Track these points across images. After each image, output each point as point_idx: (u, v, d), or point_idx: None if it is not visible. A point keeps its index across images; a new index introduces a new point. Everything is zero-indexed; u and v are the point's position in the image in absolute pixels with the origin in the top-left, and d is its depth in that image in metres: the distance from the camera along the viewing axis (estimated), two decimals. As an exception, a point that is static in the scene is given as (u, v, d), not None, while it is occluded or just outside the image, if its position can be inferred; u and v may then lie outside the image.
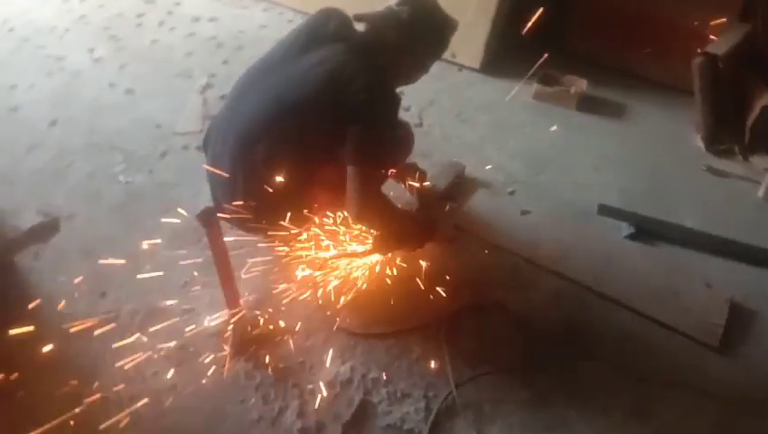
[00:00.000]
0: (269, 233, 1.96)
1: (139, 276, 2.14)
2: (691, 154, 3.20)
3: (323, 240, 2.11)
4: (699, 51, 3.06)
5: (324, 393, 1.87)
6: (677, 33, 3.46)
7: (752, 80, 3.17)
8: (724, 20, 3.24)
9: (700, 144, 3.22)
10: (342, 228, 2.12)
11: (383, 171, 2.04)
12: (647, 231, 2.60)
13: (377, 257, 2.22)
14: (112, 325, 1.98)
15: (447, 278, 2.22)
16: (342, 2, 2.13)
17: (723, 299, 2.29)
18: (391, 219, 2.04)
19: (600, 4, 3.60)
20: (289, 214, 1.89)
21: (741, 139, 3.12)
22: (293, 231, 1.95)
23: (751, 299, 2.32)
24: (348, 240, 2.19)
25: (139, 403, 1.78)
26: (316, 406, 1.84)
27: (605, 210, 2.68)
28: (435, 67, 2.13)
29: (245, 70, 2.10)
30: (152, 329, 1.97)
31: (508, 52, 3.64)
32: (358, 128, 1.84)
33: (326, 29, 2.01)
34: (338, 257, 2.17)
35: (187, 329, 1.99)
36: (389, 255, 2.22)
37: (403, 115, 3.01)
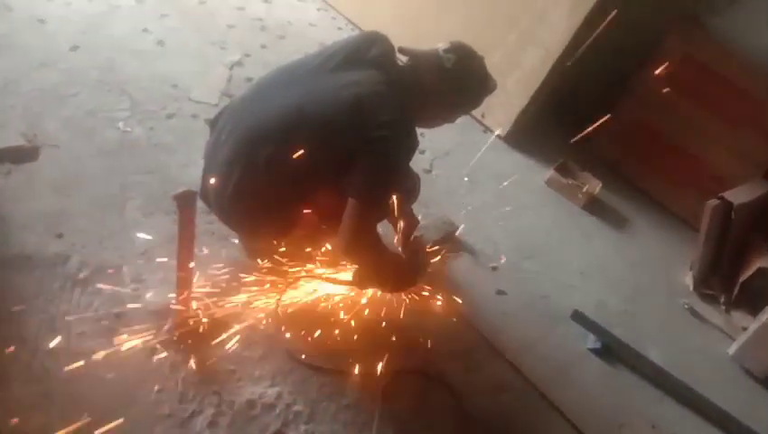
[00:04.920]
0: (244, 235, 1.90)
1: (102, 229, 2.06)
2: (677, 288, 3.19)
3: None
4: (718, 195, 3.06)
5: (243, 411, 1.78)
6: (701, 171, 3.49)
7: (757, 238, 3.18)
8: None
9: (689, 281, 3.21)
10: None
11: (383, 210, 2.00)
12: (612, 350, 2.55)
13: (348, 288, 2.15)
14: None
15: (402, 333, 2.15)
16: (395, 31, 2.11)
17: (664, 445, 2.25)
18: (378, 260, 1.98)
19: (640, 122, 3.62)
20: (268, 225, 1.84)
21: (729, 291, 3.11)
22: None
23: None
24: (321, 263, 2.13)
25: (54, 360, 1.68)
26: (229, 421, 1.75)
27: (579, 317, 2.63)
28: (462, 120, 2.09)
29: (278, 62, 2.05)
30: (95, 287, 1.89)
31: (536, 131, 3.62)
32: (370, 162, 1.80)
33: (368, 53, 1.98)
34: (311, 277, 2.11)
35: (129, 300, 1.90)
36: (364, 291, 2.16)
37: (416, 157, 2.97)
